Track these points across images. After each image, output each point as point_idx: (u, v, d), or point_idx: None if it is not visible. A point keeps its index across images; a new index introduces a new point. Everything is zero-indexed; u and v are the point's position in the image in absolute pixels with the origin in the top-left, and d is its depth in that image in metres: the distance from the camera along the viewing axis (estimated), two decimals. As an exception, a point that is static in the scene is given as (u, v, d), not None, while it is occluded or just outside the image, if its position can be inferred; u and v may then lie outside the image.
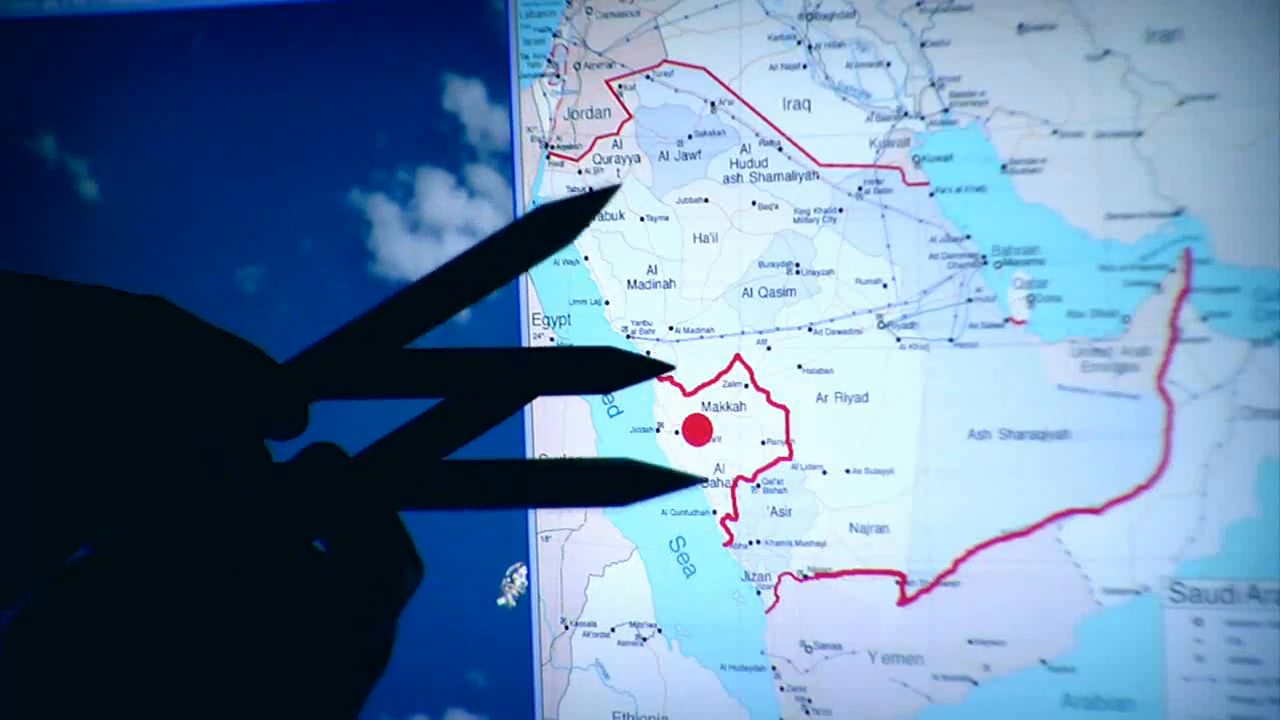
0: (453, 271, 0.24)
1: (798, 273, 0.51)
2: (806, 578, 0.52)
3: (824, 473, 0.51)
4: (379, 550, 0.23)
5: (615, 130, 0.53)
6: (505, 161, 0.54)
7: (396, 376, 0.24)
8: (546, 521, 0.54)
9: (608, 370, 0.24)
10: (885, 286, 0.51)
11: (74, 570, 0.20)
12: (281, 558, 0.22)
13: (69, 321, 0.22)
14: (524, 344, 0.53)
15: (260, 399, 0.23)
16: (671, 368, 0.25)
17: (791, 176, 0.51)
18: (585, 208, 0.24)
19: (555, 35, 0.53)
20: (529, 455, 0.54)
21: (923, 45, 0.50)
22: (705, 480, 0.26)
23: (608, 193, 0.25)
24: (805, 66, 0.51)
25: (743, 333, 0.52)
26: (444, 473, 0.24)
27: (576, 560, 0.54)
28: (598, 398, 0.53)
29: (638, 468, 0.24)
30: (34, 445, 0.20)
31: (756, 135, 0.52)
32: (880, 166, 0.50)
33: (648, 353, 0.53)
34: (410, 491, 0.24)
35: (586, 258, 0.53)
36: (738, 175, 0.52)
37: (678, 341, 0.53)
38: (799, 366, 0.52)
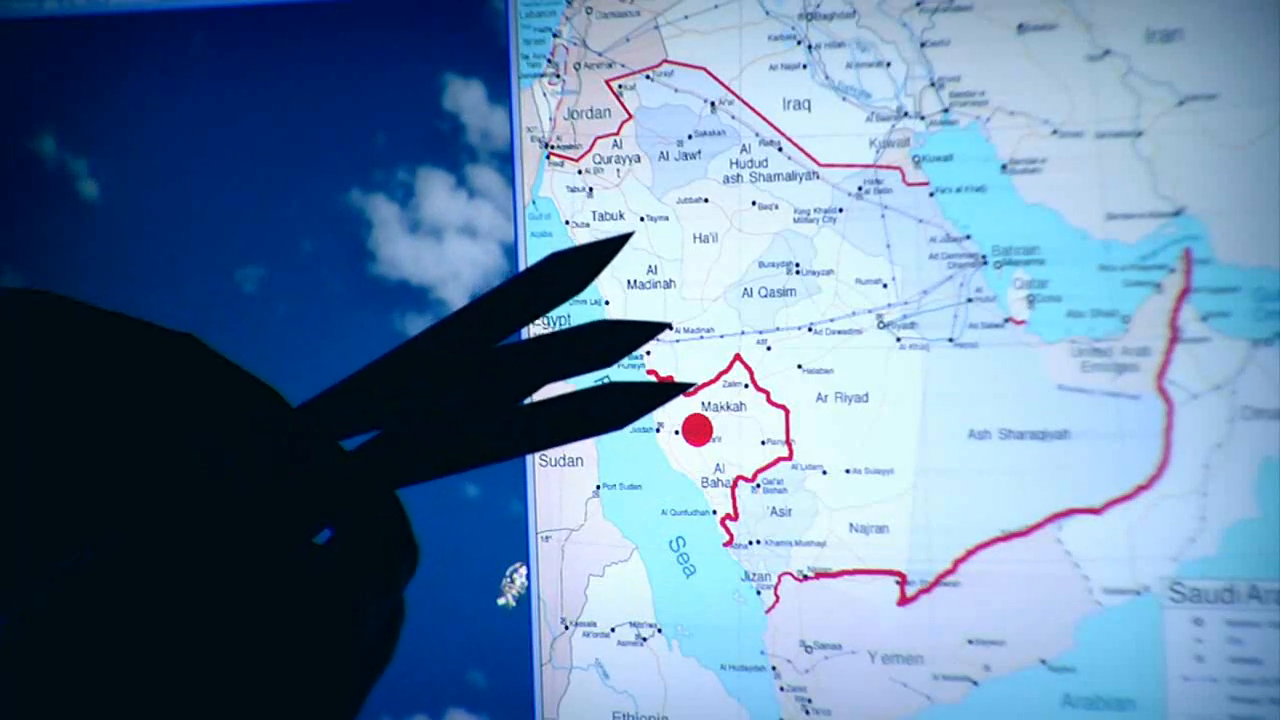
0: (464, 318, 0.24)
1: (798, 273, 0.51)
2: (806, 578, 0.52)
3: (824, 473, 0.51)
4: (373, 536, 0.23)
5: (615, 130, 0.53)
6: (505, 161, 0.54)
7: (407, 408, 0.24)
8: (546, 521, 0.54)
9: (605, 343, 0.24)
10: (885, 286, 0.51)
11: (73, 571, 0.20)
12: (279, 555, 0.22)
13: (89, 342, 0.22)
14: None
15: (275, 441, 0.23)
16: (668, 326, 0.25)
17: (791, 176, 0.51)
18: (599, 254, 0.24)
19: (555, 35, 0.53)
20: (528, 456, 0.54)
21: (923, 45, 0.50)
22: (691, 386, 0.25)
23: (621, 240, 0.25)
24: (805, 66, 0.51)
25: (743, 333, 0.52)
26: (439, 440, 0.24)
27: (576, 560, 0.54)
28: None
29: (623, 388, 0.24)
30: (34, 448, 0.21)
31: (756, 135, 0.52)
32: (880, 166, 0.50)
33: (647, 353, 0.53)
34: (408, 469, 0.24)
35: (586, 258, 0.53)
36: (738, 175, 0.52)
37: (678, 341, 0.53)
38: (799, 366, 0.52)
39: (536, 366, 0.24)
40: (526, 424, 0.24)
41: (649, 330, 0.24)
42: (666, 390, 0.24)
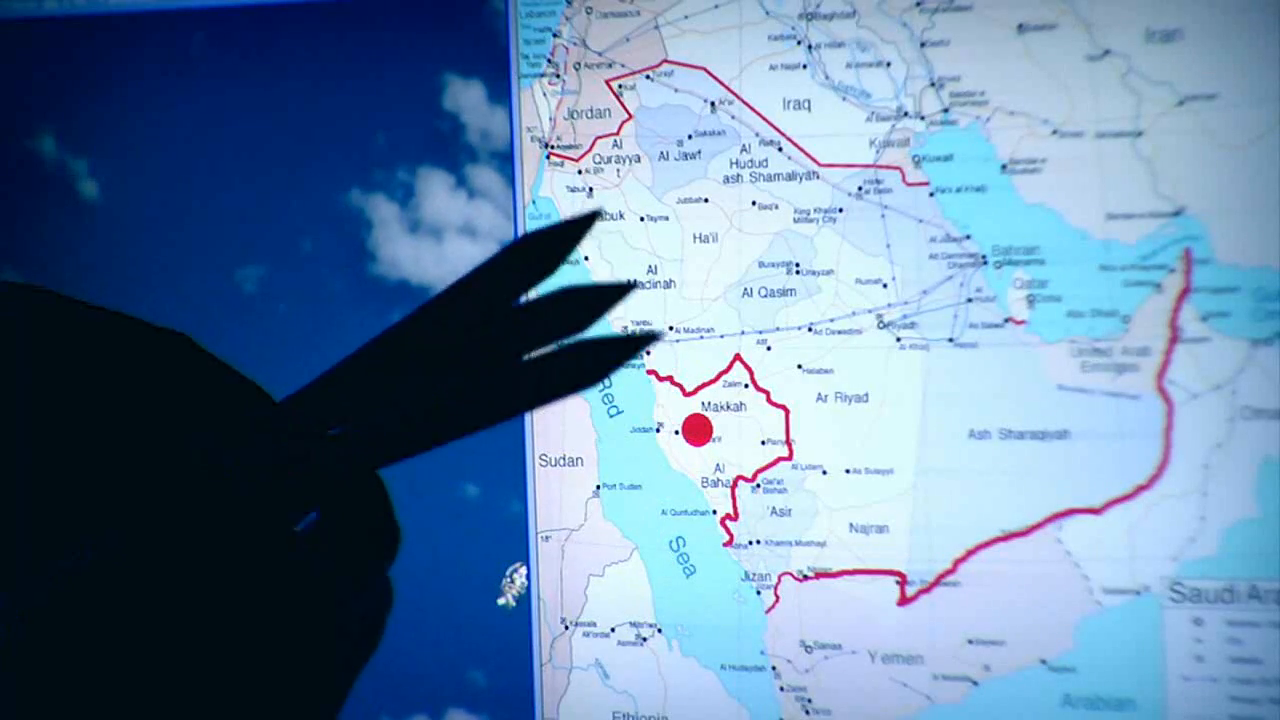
0: (440, 304, 0.24)
1: (798, 273, 0.51)
2: (806, 578, 0.52)
3: (824, 473, 0.51)
4: (354, 519, 0.23)
5: (615, 130, 0.53)
6: (505, 161, 0.54)
7: (388, 396, 0.24)
8: (546, 521, 0.54)
9: (573, 310, 0.24)
10: (885, 286, 0.51)
11: (73, 571, 0.20)
12: (265, 544, 0.22)
13: (83, 339, 0.22)
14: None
15: (257, 439, 0.23)
16: (634, 286, 0.25)
17: (791, 176, 0.51)
18: (570, 232, 0.24)
19: (555, 35, 0.53)
20: (528, 456, 0.54)
21: (923, 45, 0.50)
22: (660, 336, 0.25)
23: (591, 217, 0.25)
24: (805, 66, 0.51)
25: (743, 333, 0.52)
26: (418, 417, 0.24)
27: (576, 560, 0.54)
28: (598, 399, 0.53)
29: (595, 344, 0.23)
30: (35, 448, 0.21)
31: (756, 135, 0.52)
32: (880, 166, 0.50)
33: (647, 353, 0.53)
34: (388, 449, 0.24)
35: (586, 258, 0.53)
36: (738, 175, 0.52)
37: (678, 341, 0.53)
38: (799, 366, 0.52)
39: (508, 340, 0.24)
40: (503, 390, 0.24)
41: (615, 293, 0.24)
42: (637, 342, 0.24)
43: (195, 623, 0.20)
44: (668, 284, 0.53)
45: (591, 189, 0.53)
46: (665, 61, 0.52)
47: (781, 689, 0.52)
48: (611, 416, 0.53)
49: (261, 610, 0.21)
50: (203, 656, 0.20)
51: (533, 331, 0.24)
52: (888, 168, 0.50)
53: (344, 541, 0.23)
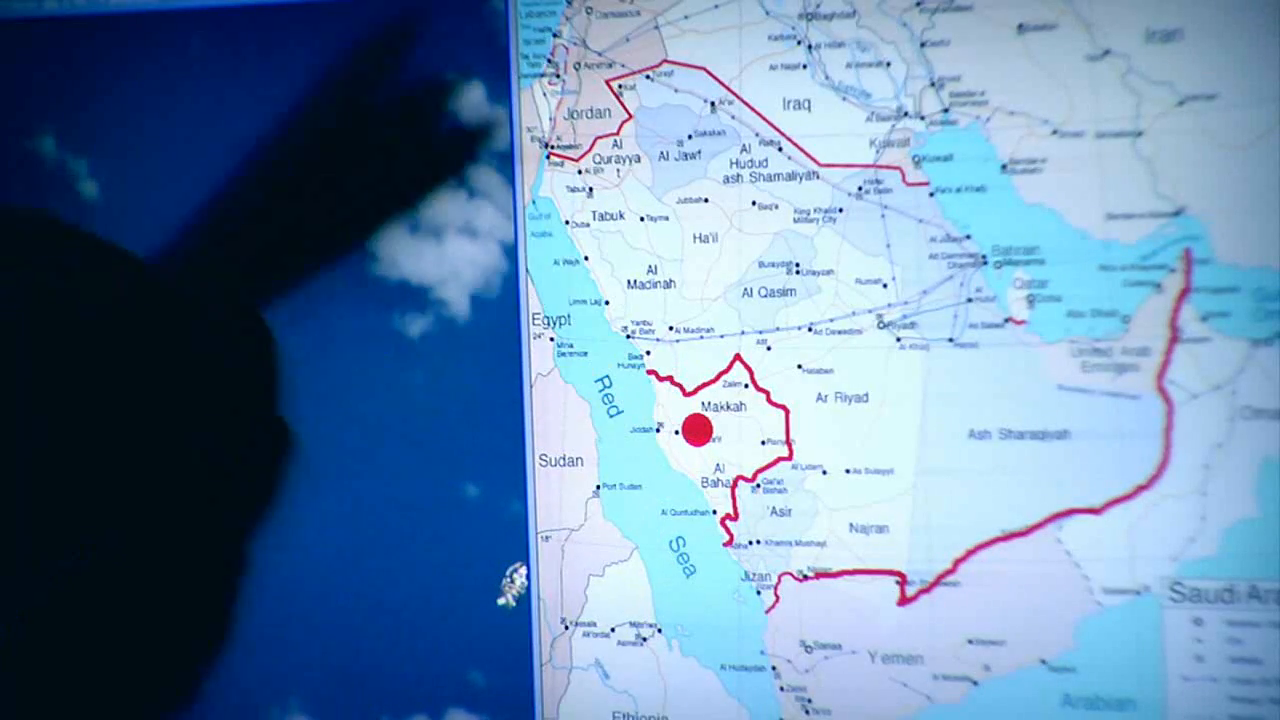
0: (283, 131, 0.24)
1: (798, 273, 0.51)
2: (806, 578, 0.52)
3: (824, 473, 0.51)
4: (234, 360, 0.23)
5: (615, 130, 0.53)
6: (505, 161, 0.54)
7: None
8: (546, 521, 0.54)
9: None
10: (885, 286, 0.51)
11: (73, 571, 0.20)
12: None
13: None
14: (524, 343, 0.53)
15: (134, 291, 0.23)
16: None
17: (791, 176, 0.51)
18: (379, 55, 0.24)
19: (555, 35, 0.53)
20: (528, 456, 0.54)
21: (923, 45, 0.50)
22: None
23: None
24: (805, 66, 0.51)
25: (743, 333, 0.52)
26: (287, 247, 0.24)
27: (576, 560, 0.54)
28: (598, 399, 0.53)
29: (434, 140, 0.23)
30: (35, 448, 0.21)
31: (756, 135, 0.52)
32: (880, 166, 0.50)
33: (647, 353, 0.53)
34: (262, 284, 0.24)
35: (586, 258, 0.53)
36: (738, 175, 0.52)
37: (678, 341, 0.53)
38: (799, 366, 0.52)
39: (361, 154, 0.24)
40: (365, 199, 0.24)
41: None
42: (474, 136, 0.24)
43: (187, 618, 0.20)
44: (668, 284, 0.53)
45: (591, 189, 0.53)
46: (665, 61, 0.52)
47: (781, 689, 0.52)
48: (611, 416, 0.53)
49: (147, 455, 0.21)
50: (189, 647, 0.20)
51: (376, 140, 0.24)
52: (888, 168, 0.50)
53: (224, 381, 0.23)
